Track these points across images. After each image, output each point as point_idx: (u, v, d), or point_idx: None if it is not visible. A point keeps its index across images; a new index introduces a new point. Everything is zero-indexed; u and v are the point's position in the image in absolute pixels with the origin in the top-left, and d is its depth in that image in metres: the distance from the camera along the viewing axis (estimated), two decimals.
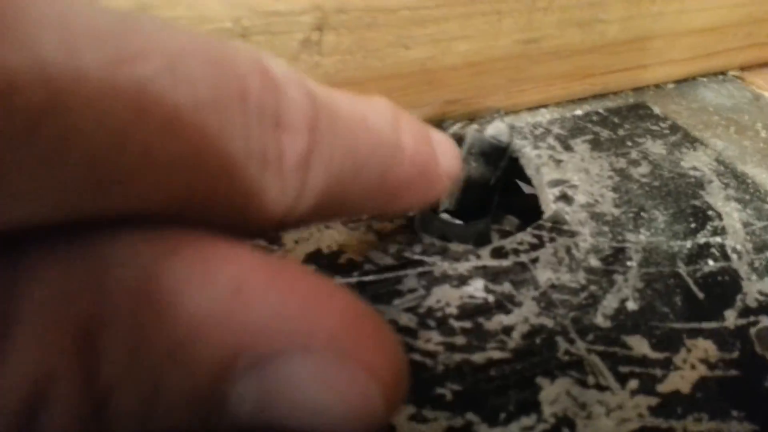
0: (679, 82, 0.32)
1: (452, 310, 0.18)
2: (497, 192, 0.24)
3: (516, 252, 0.20)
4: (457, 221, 0.24)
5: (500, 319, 0.18)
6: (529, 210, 0.24)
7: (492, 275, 0.19)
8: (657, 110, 0.29)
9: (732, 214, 0.23)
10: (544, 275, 0.19)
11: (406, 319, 0.17)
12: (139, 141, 0.09)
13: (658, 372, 0.16)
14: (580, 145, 0.26)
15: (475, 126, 0.25)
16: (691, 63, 0.31)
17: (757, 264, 0.20)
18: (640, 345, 0.17)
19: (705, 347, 0.17)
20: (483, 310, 0.18)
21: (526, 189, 0.25)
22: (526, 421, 0.15)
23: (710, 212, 0.23)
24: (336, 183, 0.12)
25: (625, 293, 0.19)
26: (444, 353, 0.16)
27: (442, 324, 0.17)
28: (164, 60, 0.09)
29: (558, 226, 0.21)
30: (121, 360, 0.09)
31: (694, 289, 0.19)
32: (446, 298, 0.18)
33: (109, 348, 0.09)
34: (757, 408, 0.16)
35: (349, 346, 0.10)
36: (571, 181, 0.24)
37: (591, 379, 0.16)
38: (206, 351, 0.09)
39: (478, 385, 0.16)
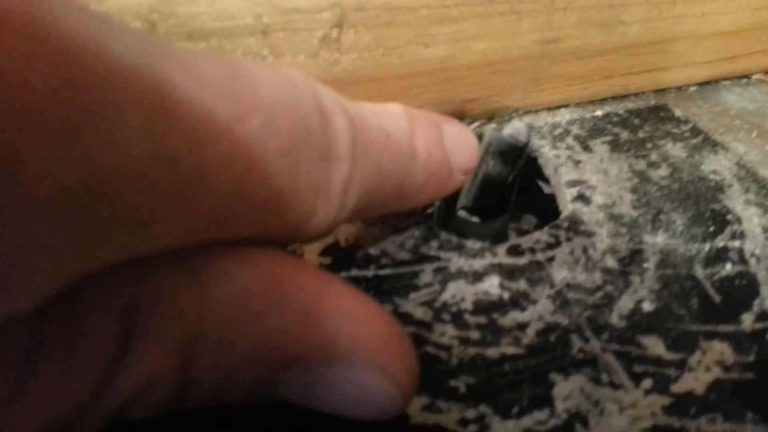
0: (701, 84, 0.32)
1: (467, 305, 0.18)
2: (515, 190, 0.24)
3: (532, 250, 0.20)
4: (475, 219, 0.24)
5: (515, 316, 0.18)
6: (548, 210, 0.24)
7: (507, 272, 0.19)
8: (678, 113, 0.29)
9: (751, 219, 0.22)
10: (560, 274, 0.19)
11: (422, 313, 0.17)
12: (247, 188, 0.11)
13: (672, 372, 0.16)
14: (600, 146, 0.26)
15: (493, 125, 0.25)
16: (714, 66, 0.31)
17: None
18: (655, 345, 0.17)
19: (721, 350, 0.17)
20: (498, 306, 0.18)
21: (545, 189, 0.25)
22: (539, 415, 0.15)
23: (729, 216, 0.22)
24: (365, 197, 0.14)
25: (641, 294, 0.19)
26: (458, 347, 0.16)
27: (456, 319, 0.17)
28: (264, 115, 0.11)
29: (575, 226, 0.21)
30: (208, 359, 0.11)
31: (711, 292, 0.19)
32: (461, 293, 0.18)
33: (200, 351, 0.11)
34: None
35: (384, 363, 0.12)
36: (589, 182, 0.24)
37: (605, 377, 0.16)
38: (273, 356, 0.12)
39: (492, 379, 0.16)
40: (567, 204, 0.23)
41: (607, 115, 0.28)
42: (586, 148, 0.26)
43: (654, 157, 0.25)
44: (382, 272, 0.19)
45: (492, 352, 0.16)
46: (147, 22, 0.19)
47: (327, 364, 0.12)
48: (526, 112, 0.27)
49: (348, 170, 0.13)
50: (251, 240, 0.12)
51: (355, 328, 0.12)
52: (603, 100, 0.29)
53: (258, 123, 0.11)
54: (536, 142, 0.25)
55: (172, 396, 0.11)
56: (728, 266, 0.20)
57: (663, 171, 0.25)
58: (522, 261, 0.20)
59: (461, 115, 0.25)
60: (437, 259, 0.19)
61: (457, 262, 0.19)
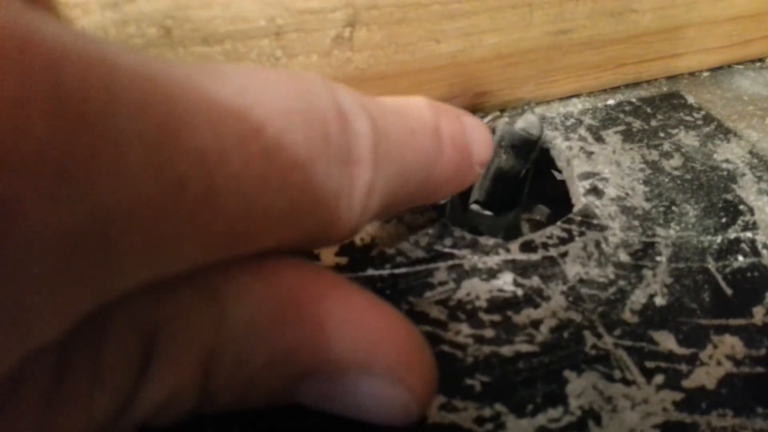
0: (714, 69, 0.31)
1: (482, 303, 0.18)
2: (527, 184, 0.24)
3: (545, 246, 0.20)
4: (487, 212, 0.24)
5: (529, 313, 0.18)
6: (560, 199, 0.24)
7: (521, 269, 0.19)
8: (691, 100, 0.29)
9: (764, 209, 0.23)
10: (572, 270, 0.19)
11: (437, 312, 0.18)
12: (261, 204, 0.11)
13: (684, 367, 0.17)
14: (612, 136, 0.26)
15: (505, 118, 0.25)
16: (727, 51, 0.31)
17: None
18: (666, 340, 0.17)
19: (732, 344, 0.18)
20: (512, 303, 0.18)
21: (558, 176, 0.25)
22: (553, 413, 0.15)
23: (742, 206, 0.23)
24: (388, 198, 0.14)
25: (653, 288, 0.19)
26: (473, 345, 0.17)
27: (471, 317, 0.18)
28: (276, 128, 0.11)
29: (588, 220, 0.22)
30: (226, 373, 0.11)
31: (723, 285, 0.19)
32: (476, 291, 0.19)
33: (219, 365, 0.11)
34: None
35: (402, 374, 0.12)
36: (601, 174, 0.24)
37: (617, 374, 0.16)
38: (290, 368, 0.12)
39: (507, 377, 0.16)
40: (580, 197, 0.23)
41: (619, 104, 0.28)
42: (599, 139, 0.26)
43: (666, 146, 0.26)
44: (397, 271, 0.19)
45: (506, 350, 0.17)
46: (162, 27, 0.19)
47: (344, 376, 0.12)
48: (538, 103, 0.27)
49: (371, 174, 0.13)
50: (271, 251, 0.12)
51: (374, 340, 0.12)
52: (615, 89, 0.29)
53: (270, 137, 0.10)
54: (548, 134, 0.26)
55: (192, 407, 0.12)
56: (740, 258, 0.21)
57: (675, 161, 0.25)
58: (535, 257, 0.20)
59: (473, 109, 0.25)
60: (452, 256, 0.20)
61: (471, 259, 0.20)
